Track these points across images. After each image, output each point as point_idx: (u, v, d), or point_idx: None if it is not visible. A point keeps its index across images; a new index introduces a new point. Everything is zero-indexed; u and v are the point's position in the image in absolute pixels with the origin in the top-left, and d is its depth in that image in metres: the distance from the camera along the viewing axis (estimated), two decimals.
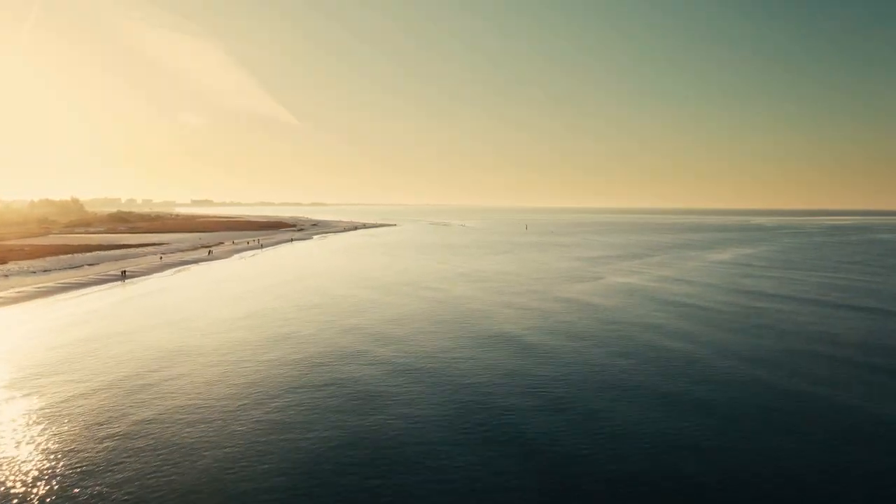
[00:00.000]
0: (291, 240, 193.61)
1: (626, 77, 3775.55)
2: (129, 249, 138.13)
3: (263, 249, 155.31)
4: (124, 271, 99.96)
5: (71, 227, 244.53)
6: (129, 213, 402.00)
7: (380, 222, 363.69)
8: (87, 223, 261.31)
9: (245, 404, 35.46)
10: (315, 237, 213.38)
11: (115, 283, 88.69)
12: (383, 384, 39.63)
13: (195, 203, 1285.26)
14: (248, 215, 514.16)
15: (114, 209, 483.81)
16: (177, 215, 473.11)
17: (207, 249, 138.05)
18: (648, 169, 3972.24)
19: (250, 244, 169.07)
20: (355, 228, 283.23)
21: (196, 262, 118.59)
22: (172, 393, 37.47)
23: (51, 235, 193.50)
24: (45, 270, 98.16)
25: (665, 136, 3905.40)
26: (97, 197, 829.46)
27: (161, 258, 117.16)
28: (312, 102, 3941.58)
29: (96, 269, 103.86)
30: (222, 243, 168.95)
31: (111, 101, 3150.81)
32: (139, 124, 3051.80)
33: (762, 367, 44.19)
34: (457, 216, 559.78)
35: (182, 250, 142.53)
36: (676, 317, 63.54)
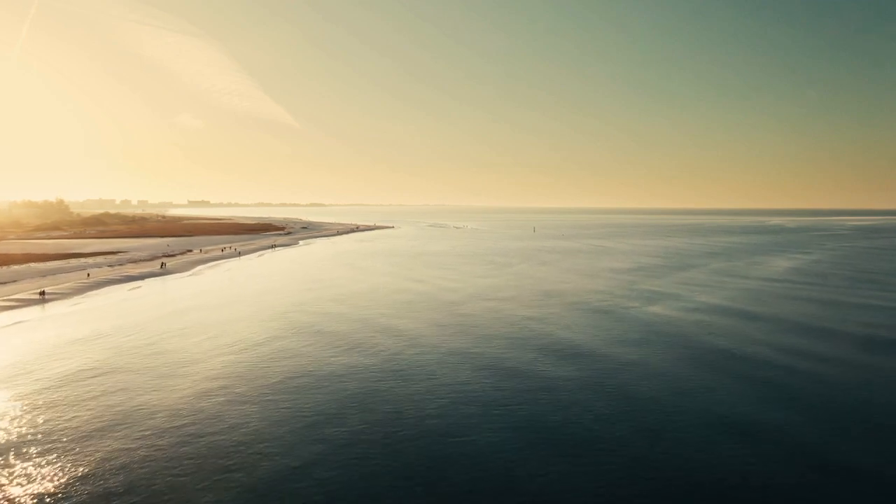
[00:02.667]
0: (273, 246, 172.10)
1: (628, 77, 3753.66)
2: (71, 260, 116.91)
3: (240, 258, 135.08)
4: (43, 291, 79.67)
5: (37, 230, 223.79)
6: (116, 214, 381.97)
7: (377, 224, 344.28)
8: (56, 226, 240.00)
9: None
10: (301, 242, 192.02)
11: (12, 310, 67.51)
12: None
13: (192, 204, 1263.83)
14: (241, 217, 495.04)
15: (106, 210, 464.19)
16: (163, 217, 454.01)
17: (160, 262, 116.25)
18: (653, 169, 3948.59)
19: (225, 252, 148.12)
20: (349, 231, 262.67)
21: (141, 277, 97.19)
22: None
23: (5, 241, 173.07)
24: None
25: (666, 136, 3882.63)
26: (92, 198, 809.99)
27: (88, 275, 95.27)
28: (311, 104, 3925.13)
29: (7, 288, 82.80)
30: (190, 251, 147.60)
31: (111, 102, 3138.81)
32: (139, 126, 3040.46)
33: None
34: (460, 218, 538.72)
35: (136, 261, 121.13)
36: (779, 399, 38.75)
